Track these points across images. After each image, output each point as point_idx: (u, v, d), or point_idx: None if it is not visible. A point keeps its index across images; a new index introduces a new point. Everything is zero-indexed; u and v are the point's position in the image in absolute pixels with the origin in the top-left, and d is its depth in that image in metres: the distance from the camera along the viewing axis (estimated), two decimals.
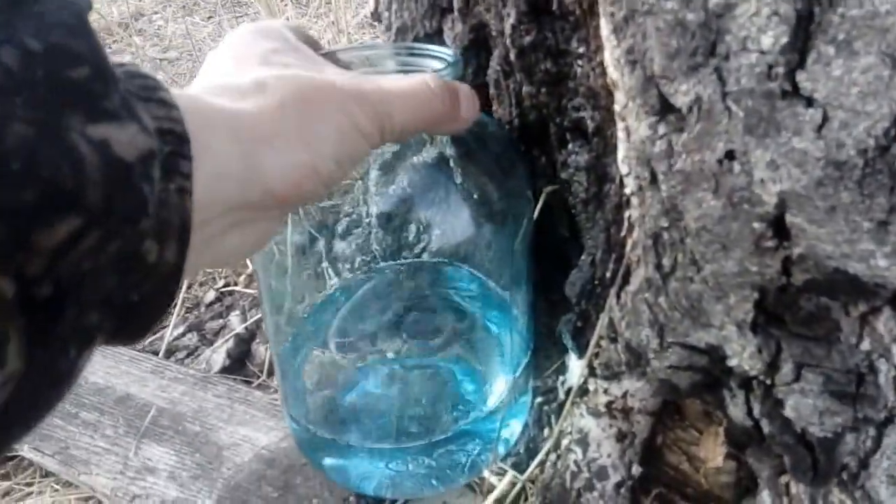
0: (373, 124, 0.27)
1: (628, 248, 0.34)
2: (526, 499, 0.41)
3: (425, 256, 0.45)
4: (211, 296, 0.76)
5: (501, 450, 0.43)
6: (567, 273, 0.42)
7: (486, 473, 0.40)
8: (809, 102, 0.24)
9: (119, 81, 0.18)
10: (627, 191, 0.33)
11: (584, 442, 0.38)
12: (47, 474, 0.56)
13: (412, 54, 0.38)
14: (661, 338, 0.33)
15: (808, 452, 0.31)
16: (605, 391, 0.37)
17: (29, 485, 0.55)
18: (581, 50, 0.34)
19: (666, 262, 0.31)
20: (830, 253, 0.26)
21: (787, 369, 0.30)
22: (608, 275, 0.36)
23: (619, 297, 0.34)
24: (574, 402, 0.39)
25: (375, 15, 0.55)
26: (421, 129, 0.30)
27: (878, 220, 0.24)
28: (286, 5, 1.62)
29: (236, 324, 0.69)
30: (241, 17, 1.81)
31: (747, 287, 0.29)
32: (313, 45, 0.33)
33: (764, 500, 0.34)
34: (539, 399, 0.45)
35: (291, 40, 0.30)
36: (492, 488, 0.40)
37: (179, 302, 0.74)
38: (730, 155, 0.26)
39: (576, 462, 0.38)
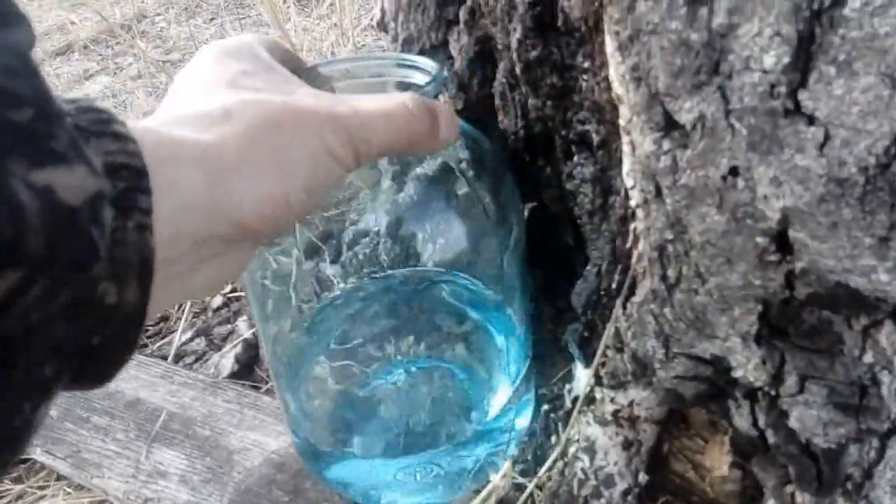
0: (347, 149, 0.26)
1: (634, 259, 0.34)
2: None
3: (424, 266, 0.46)
4: (218, 301, 0.77)
5: (509, 454, 0.44)
6: (571, 281, 0.43)
7: (493, 480, 0.41)
8: (811, 121, 0.25)
9: (66, 120, 0.17)
10: (632, 203, 0.33)
11: (591, 450, 0.39)
12: (59, 477, 0.56)
13: (395, 66, 0.37)
14: (666, 348, 0.33)
15: (812, 463, 0.31)
16: (612, 400, 0.38)
17: (42, 488, 0.56)
18: (586, 65, 0.34)
19: (671, 273, 0.32)
20: (833, 267, 0.26)
21: (791, 381, 0.30)
22: (614, 286, 0.36)
23: (625, 307, 0.35)
24: (581, 411, 0.40)
25: (381, 25, 0.55)
26: (398, 151, 0.29)
27: (879, 237, 0.25)
28: (289, 7, 1.63)
29: (244, 329, 0.70)
30: (243, 18, 1.82)
31: (751, 300, 0.29)
32: (290, 60, 0.32)
33: None
34: (546, 407, 0.46)
35: (264, 59, 0.29)
36: (499, 495, 0.41)
37: (187, 307, 0.74)
38: (733, 171, 0.27)
39: (583, 470, 0.39)
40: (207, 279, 0.24)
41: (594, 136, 0.36)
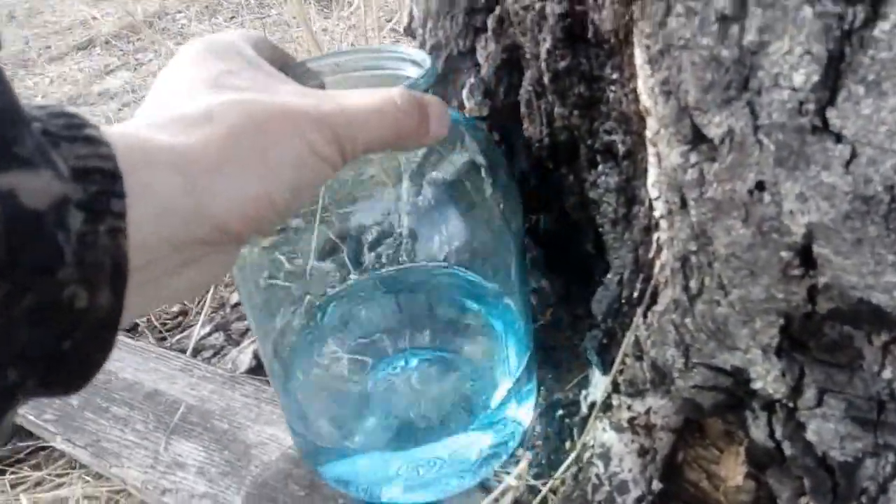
0: (333, 147, 0.25)
1: (656, 269, 0.35)
2: None
3: (424, 260, 0.46)
4: (237, 297, 0.78)
5: (511, 445, 0.44)
6: (590, 288, 0.43)
7: (508, 480, 0.41)
8: (838, 138, 0.25)
9: (33, 125, 0.17)
10: (657, 214, 0.34)
11: (606, 456, 0.39)
12: (77, 466, 0.58)
13: (386, 59, 0.36)
14: (686, 358, 0.34)
15: (828, 476, 0.31)
16: (629, 407, 0.38)
17: (60, 476, 0.57)
18: (615, 76, 0.35)
19: (693, 284, 0.32)
20: (855, 284, 0.27)
21: (809, 394, 0.30)
22: (635, 294, 0.37)
23: (645, 316, 0.35)
24: (597, 417, 0.40)
25: (408, 30, 0.56)
26: (387, 148, 0.28)
27: None
28: (309, 7, 1.64)
29: None
30: (263, 18, 1.84)
31: (773, 313, 0.30)
32: (278, 57, 0.32)
33: None
34: (561, 411, 0.46)
35: (249, 57, 0.28)
36: (514, 496, 0.41)
37: (207, 302, 0.75)
38: (760, 186, 0.27)
39: (597, 475, 0.39)
40: (190, 282, 0.24)
41: (620, 146, 0.36)
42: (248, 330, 0.71)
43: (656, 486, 0.38)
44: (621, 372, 0.38)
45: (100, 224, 0.18)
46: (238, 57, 0.28)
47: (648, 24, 0.29)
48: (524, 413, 0.45)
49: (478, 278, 0.46)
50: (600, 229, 0.41)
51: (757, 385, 0.32)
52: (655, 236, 0.34)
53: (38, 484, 0.57)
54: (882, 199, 0.25)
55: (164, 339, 0.72)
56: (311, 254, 0.42)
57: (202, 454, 0.50)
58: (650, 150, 0.33)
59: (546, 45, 0.37)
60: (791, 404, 0.31)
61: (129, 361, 0.62)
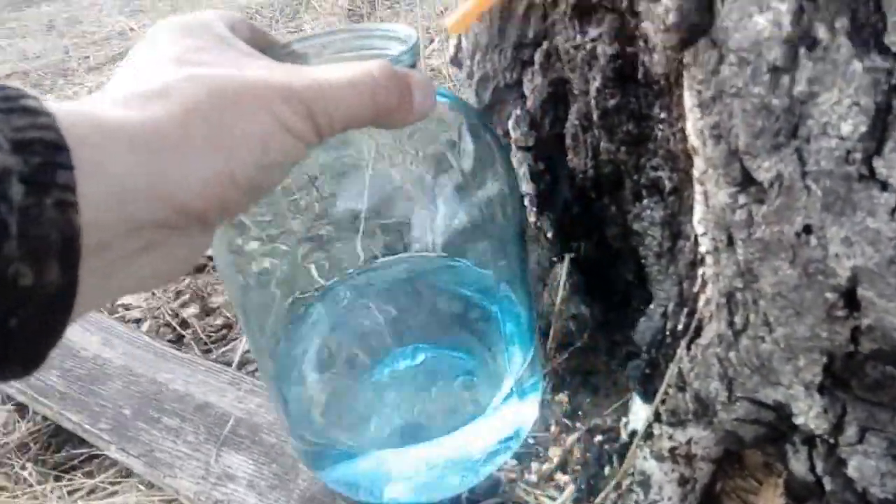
0: (306, 123, 0.24)
1: (701, 303, 0.36)
2: None
3: (425, 252, 0.45)
4: None
5: (514, 445, 0.44)
6: (628, 315, 0.44)
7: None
8: (884, 187, 0.26)
9: None
10: (702, 249, 0.35)
11: (646, 484, 0.40)
12: (129, 475, 0.60)
13: (374, 38, 0.35)
14: (729, 391, 0.35)
15: None
16: (670, 437, 0.39)
17: (113, 484, 0.59)
18: (663, 115, 0.36)
19: (738, 320, 0.33)
20: None
21: (851, 431, 0.31)
22: (679, 327, 0.38)
23: (689, 349, 0.36)
24: (638, 446, 0.41)
25: (455, 60, 0.58)
26: (367, 123, 0.27)
27: None
28: (339, 23, 1.66)
29: None
30: (295, 32, 1.88)
31: (816, 351, 0.31)
32: (259, 38, 0.30)
33: None
34: (599, 437, 0.47)
35: (221, 35, 0.27)
36: None
37: None
38: (807, 229, 0.29)
39: (636, 502, 0.40)
40: (153, 269, 0.23)
41: (667, 182, 0.38)
42: None
43: None
44: (663, 402, 0.39)
45: (45, 196, 0.18)
46: (210, 35, 0.26)
47: (700, 71, 0.30)
48: (528, 408, 0.45)
49: (478, 270, 0.45)
50: (643, 260, 0.42)
51: (799, 420, 0.33)
52: (700, 271, 0.36)
53: (91, 491, 0.59)
54: None
55: (209, 351, 0.74)
56: (301, 248, 0.42)
57: (251, 467, 0.52)
58: (697, 188, 0.34)
59: (596, 84, 0.39)
60: (832, 440, 0.32)
61: (178, 373, 0.64)
